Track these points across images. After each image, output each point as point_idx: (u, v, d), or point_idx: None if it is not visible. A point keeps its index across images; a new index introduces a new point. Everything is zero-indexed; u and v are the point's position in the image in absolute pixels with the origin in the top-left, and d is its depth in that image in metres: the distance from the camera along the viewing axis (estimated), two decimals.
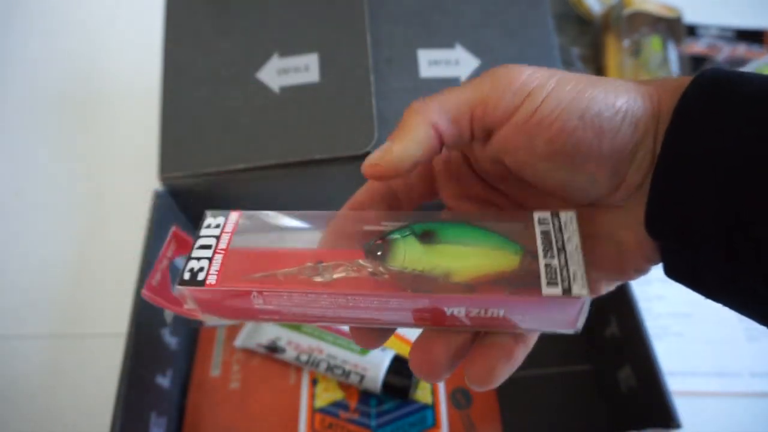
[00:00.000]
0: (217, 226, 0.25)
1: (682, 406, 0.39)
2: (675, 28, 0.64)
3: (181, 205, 0.49)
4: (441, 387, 0.47)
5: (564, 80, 0.22)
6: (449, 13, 0.50)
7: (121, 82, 0.66)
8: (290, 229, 0.25)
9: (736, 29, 0.67)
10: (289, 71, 0.47)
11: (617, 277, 0.25)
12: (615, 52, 0.63)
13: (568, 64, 0.64)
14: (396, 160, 0.23)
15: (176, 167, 0.46)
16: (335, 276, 0.23)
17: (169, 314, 0.47)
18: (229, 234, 0.25)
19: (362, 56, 0.47)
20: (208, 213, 0.25)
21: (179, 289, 0.23)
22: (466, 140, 0.24)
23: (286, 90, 0.47)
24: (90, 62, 0.68)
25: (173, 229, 0.26)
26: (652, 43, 0.63)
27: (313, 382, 0.48)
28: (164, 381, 0.45)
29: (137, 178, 0.53)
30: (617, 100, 0.22)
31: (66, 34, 0.70)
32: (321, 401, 0.47)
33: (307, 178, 0.46)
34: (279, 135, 0.46)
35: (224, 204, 0.51)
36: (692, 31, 0.67)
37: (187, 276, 0.23)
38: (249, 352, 0.49)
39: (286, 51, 0.48)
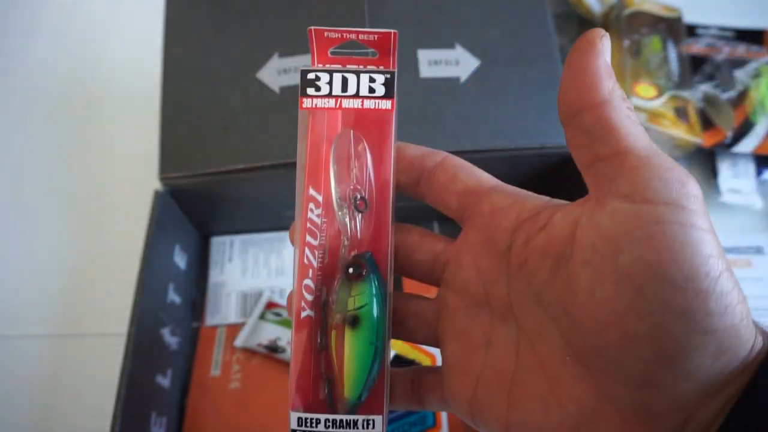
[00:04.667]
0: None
1: None
2: (675, 28, 0.64)
3: (181, 205, 0.50)
4: None
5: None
6: (449, 13, 0.50)
7: (121, 82, 0.66)
8: None
9: (736, 29, 0.67)
10: (289, 71, 0.47)
11: None
12: (615, 52, 0.63)
13: None
14: None
15: (176, 167, 0.46)
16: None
17: (169, 315, 0.47)
18: None
19: None
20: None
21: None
22: (469, 287, 0.24)
23: (286, 90, 0.47)
24: (90, 62, 0.68)
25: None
26: (652, 43, 0.63)
27: None
28: (164, 381, 0.45)
29: (137, 178, 0.53)
30: (733, 291, 0.18)
31: (66, 34, 0.70)
32: None
33: None
34: (279, 135, 0.46)
35: (224, 203, 0.51)
36: (692, 31, 0.67)
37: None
38: (249, 352, 0.49)
39: (286, 51, 0.48)
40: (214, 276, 0.54)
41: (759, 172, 0.60)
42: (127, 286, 0.44)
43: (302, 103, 0.25)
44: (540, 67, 0.48)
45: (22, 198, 0.59)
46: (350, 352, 0.24)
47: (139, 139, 0.57)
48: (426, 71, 0.48)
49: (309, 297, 0.24)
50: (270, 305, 0.51)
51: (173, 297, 0.48)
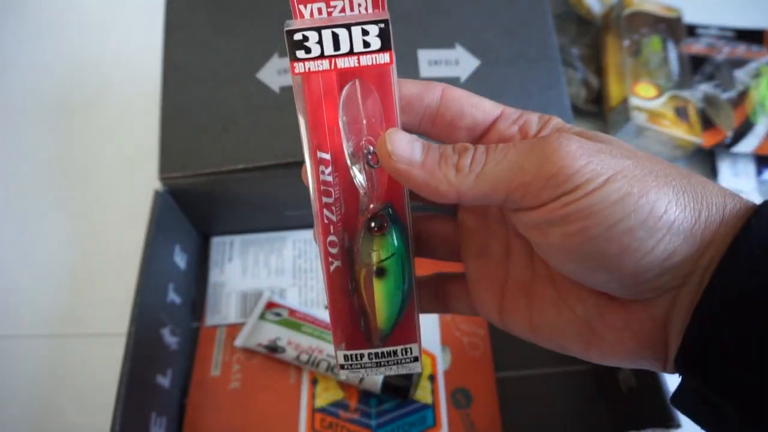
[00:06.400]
0: None
1: None
2: (675, 28, 0.64)
3: (181, 205, 0.50)
4: (441, 387, 0.47)
5: (620, 176, 0.20)
6: (449, 13, 0.50)
7: (121, 82, 0.66)
8: None
9: (736, 29, 0.67)
10: (289, 71, 0.47)
11: (578, 353, 0.25)
12: (615, 52, 0.63)
13: (568, 64, 0.64)
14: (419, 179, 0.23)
15: (176, 167, 0.46)
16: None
17: (169, 315, 0.47)
18: None
19: None
20: None
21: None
22: (488, 209, 0.25)
23: (286, 90, 0.47)
24: (90, 62, 0.68)
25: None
26: (652, 43, 0.63)
27: (313, 381, 0.48)
28: (164, 381, 0.45)
29: (137, 178, 0.53)
30: (664, 216, 0.20)
31: (66, 35, 0.70)
32: (321, 401, 0.47)
33: None
34: (279, 135, 0.46)
35: (224, 203, 0.51)
36: (692, 31, 0.67)
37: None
38: (249, 352, 0.49)
39: (286, 51, 0.48)
40: (214, 276, 0.54)
41: (759, 172, 0.60)
42: (127, 286, 0.44)
43: (294, 68, 0.23)
44: (540, 67, 0.48)
45: (22, 198, 0.59)
46: (380, 298, 0.25)
47: (139, 140, 0.57)
48: (426, 71, 0.48)
49: (334, 250, 0.25)
50: (270, 305, 0.51)
51: (173, 297, 0.48)
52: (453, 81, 0.47)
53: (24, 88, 0.66)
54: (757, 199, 0.62)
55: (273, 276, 0.54)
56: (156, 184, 0.46)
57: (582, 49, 0.66)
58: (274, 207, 0.52)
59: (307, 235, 0.55)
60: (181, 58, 0.49)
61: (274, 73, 0.47)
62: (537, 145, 0.21)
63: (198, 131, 0.47)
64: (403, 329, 0.26)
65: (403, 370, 0.27)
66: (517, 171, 0.21)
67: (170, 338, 0.46)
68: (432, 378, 0.47)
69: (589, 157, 0.20)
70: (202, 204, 0.50)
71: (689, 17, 0.66)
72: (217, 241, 0.56)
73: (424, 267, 0.28)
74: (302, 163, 0.25)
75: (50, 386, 0.50)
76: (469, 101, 0.25)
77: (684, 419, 0.38)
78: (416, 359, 0.27)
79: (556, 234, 0.21)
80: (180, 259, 0.50)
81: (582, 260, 0.21)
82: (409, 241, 0.26)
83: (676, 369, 0.22)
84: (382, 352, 0.26)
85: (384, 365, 0.27)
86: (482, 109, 0.25)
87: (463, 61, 0.48)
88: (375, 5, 0.23)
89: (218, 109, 0.47)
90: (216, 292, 0.53)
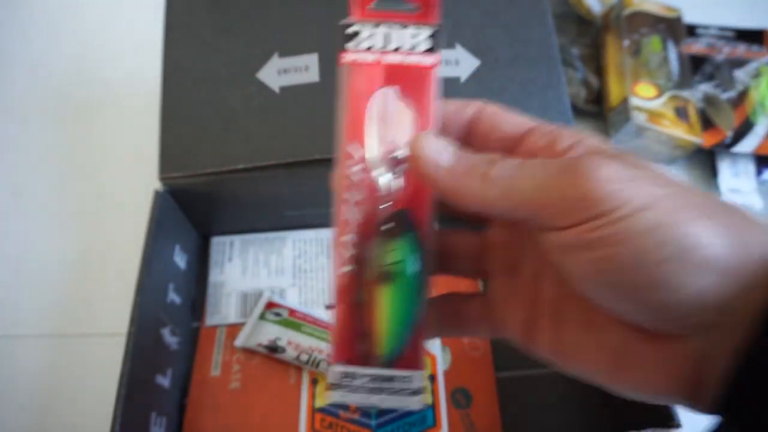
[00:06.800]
0: None
1: None
2: (675, 28, 0.64)
3: (181, 205, 0.50)
4: (441, 387, 0.47)
5: (656, 204, 0.19)
6: (449, 13, 0.50)
7: (121, 82, 0.66)
8: None
9: (736, 29, 0.67)
10: (289, 71, 0.47)
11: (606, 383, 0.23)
12: (615, 52, 0.63)
13: (568, 64, 0.64)
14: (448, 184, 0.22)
15: (176, 167, 0.46)
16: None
17: (169, 315, 0.47)
18: None
19: None
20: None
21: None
22: (520, 224, 0.24)
23: (286, 90, 0.47)
24: (90, 62, 0.68)
25: None
26: (652, 43, 0.63)
27: (314, 381, 0.48)
28: (164, 381, 0.45)
29: (137, 178, 0.53)
30: (702, 251, 0.18)
31: (66, 34, 0.70)
32: (321, 401, 0.47)
33: (307, 178, 0.46)
34: (279, 135, 0.46)
35: (224, 203, 0.51)
36: (692, 31, 0.67)
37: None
38: (249, 352, 0.49)
39: (286, 51, 0.48)
40: (214, 276, 0.54)
41: (759, 172, 0.60)
42: (127, 286, 0.44)
43: (342, 58, 0.24)
44: (540, 67, 0.48)
45: (22, 198, 0.59)
46: (387, 308, 0.24)
47: (139, 140, 0.57)
48: None
49: (348, 252, 0.24)
50: (270, 305, 0.51)
51: (173, 297, 0.48)
52: (453, 81, 0.47)
53: (24, 88, 0.66)
54: (757, 200, 0.62)
55: (273, 276, 0.54)
56: (156, 184, 0.46)
57: (582, 49, 0.66)
58: (274, 207, 0.52)
59: (307, 235, 0.55)
60: (181, 58, 0.49)
61: (274, 73, 0.47)
62: (570, 166, 0.20)
63: (198, 131, 0.47)
64: (408, 354, 0.24)
65: (398, 403, 0.24)
66: (545, 189, 0.20)
67: (170, 338, 0.46)
68: (432, 378, 0.47)
69: (623, 183, 0.19)
70: (202, 204, 0.50)
71: (689, 17, 0.66)
72: (217, 241, 0.56)
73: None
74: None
75: (50, 386, 0.50)
76: (503, 115, 0.25)
77: (684, 419, 0.38)
78: (416, 392, 0.24)
79: (583, 258, 0.20)
80: (180, 259, 0.50)
81: (608, 288, 0.20)
82: (426, 254, 0.24)
83: (716, 411, 0.20)
84: (378, 376, 0.24)
85: (377, 392, 0.24)
86: (515, 123, 0.25)
87: (463, 61, 0.48)
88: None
89: (218, 109, 0.47)
90: (216, 292, 0.53)
